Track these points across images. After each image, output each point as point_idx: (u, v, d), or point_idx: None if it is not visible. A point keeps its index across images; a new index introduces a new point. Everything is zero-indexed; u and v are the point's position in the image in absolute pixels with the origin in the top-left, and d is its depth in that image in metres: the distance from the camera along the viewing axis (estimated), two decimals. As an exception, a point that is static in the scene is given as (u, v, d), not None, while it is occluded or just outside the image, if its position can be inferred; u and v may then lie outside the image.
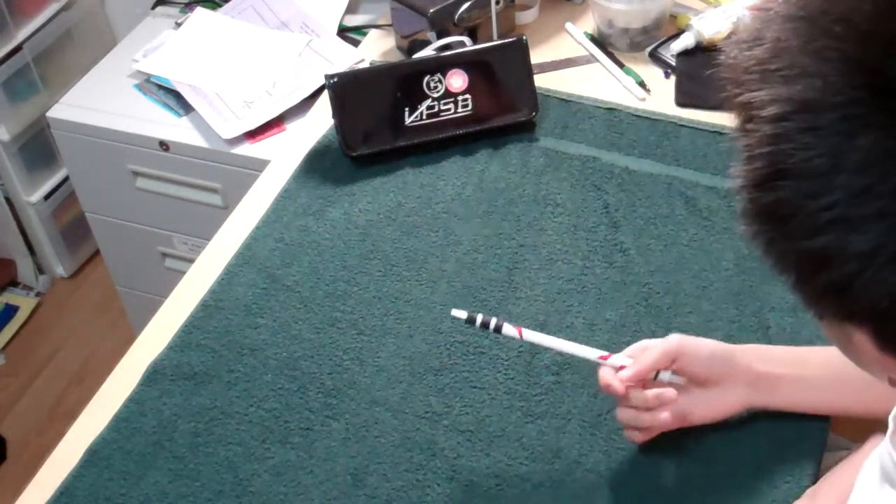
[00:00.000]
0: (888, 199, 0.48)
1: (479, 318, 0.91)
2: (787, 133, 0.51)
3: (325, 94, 1.33)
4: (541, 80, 1.36)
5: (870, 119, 0.48)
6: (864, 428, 0.91)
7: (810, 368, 0.95)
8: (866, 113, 0.49)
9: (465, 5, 1.37)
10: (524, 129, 1.31)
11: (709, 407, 0.94)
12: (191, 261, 1.24)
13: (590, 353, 0.92)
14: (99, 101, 1.61)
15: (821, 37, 0.51)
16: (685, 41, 1.40)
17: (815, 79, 0.50)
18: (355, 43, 1.58)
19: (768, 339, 1.04)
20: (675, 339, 0.92)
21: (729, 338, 1.04)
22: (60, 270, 2.31)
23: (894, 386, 0.58)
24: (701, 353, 0.92)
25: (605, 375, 0.90)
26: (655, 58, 1.42)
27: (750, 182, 0.53)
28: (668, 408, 0.91)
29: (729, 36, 1.39)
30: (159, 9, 1.79)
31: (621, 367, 0.90)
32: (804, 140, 0.50)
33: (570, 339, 1.05)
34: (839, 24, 0.50)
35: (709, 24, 1.39)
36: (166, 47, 1.63)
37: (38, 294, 2.31)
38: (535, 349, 1.06)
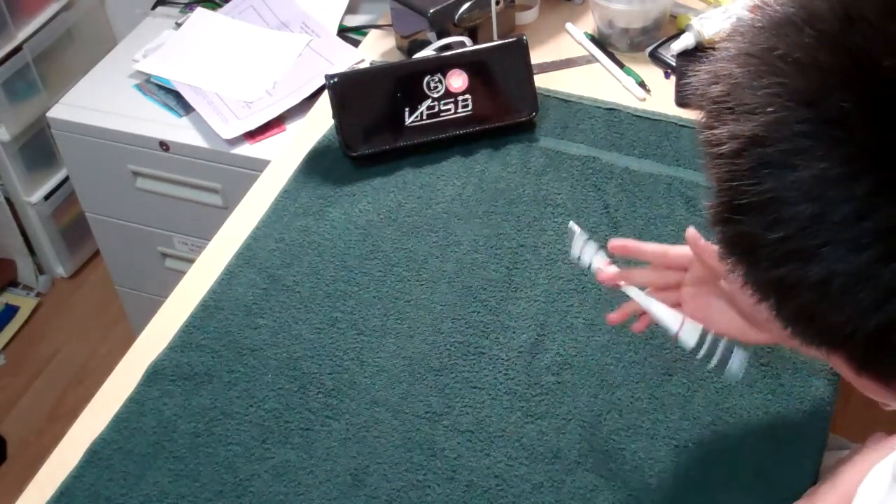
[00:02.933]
0: (836, 228, 0.49)
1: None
2: (740, 169, 0.52)
3: (325, 94, 1.33)
4: (541, 81, 1.36)
5: (814, 151, 0.49)
6: (864, 428, 0.91)
7: None
8: (811, 145, 0.50)
9: (465, 5, 1.37)
10: (524, 130, 1.31)
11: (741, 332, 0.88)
12: (191, 261, 1.24)
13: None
14: (99, 101, 1.61)
15: (767, 74, 0.52)
16: (685, 41, 1.40)
17: (764, 115, 0.51)
18: (355, 43, 1.58)
19: (768, 340, 1.04)
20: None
21: (729, 338, 1.05)
22: (60, 270, 2.31)
23: (883, 407, 0.59)
24: None
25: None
26: (655, 58, 1.42)
27: (715, 217, 0.55)
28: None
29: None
30: (159, 9, 1.79)
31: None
32: (756, 175, 0.51)
33: (570, 340, 1.05)
34: (783, 59, 0.52)
35: (709, 24, 1.39)
36: (166, 47, 1.63)
37: (38, 294, 2.31)
38: (536, 349, 1.06)
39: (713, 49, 0.58)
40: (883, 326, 0.49)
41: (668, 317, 0.88)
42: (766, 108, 0.51)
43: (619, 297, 1.10)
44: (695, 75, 0.58)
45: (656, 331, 1.06)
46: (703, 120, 0.56)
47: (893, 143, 0.48)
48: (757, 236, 0.52)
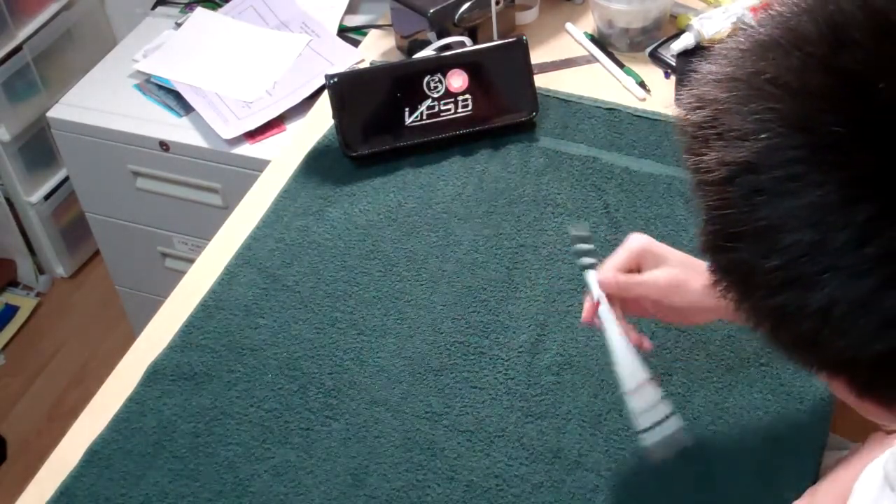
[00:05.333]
0: (836, 254, 0.48)
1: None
2: (733, 197, 0.51)
3: (325, 94, 1.33)
4: (541, 80, 1.36)
5: (810, 177, 0.49)
6: (864, 428, 0.90)
7: None
8: (807, 171, 0.49)
9: (465, 5, 1.37)
10: (524, 129, 1.31)
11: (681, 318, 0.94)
12: (191, 261, 1.24)
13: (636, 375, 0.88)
14: (99, 101, 1.61)
15: (756, 98, 0.51)
16: (685, 41, 1.40)
17: (755, 141, 0.50)
18: (355, 43, 1.58)
19: (768, 340, 1.04)
20: (637, 241, 0.91)
21: (729, 338, 1.05)
22: (60, 270, 2.31)
23: (889, 433, 0.58)
24: (690, 287, 0.90)
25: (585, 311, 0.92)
26: (655, 58, 1.42)
27: (706, 245, 0.54)
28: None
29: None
30: (159, 9, 1.78)
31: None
32: (749, 202, 0.50)
33: (570, 339, 1.05)
34: (772, 83, 0.51)
35: (709, 25, 1.39)
36: (166, 47, 1.63)
37: (38, 294, 2.31)
38: (536, 349, 1.06)
39: (695, 73, 0.57)
40: (885, 352, 0.49)
41: (627, 366, 0.88)
42: (757, 135, 0.50)
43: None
44: (678, 100, 0.57)
45: (656, 331, 1.06)
46: (689, 146, 0.55)
47: (892, 167, 0.47)
48: (753, 264, 0.51)
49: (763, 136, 0.50)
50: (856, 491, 0.73)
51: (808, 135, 0.49)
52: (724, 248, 0.53)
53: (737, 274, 0.53)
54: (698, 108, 0.54)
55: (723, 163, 0.52)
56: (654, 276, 0.90)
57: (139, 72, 1.62)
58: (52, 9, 2.00)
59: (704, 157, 0.53)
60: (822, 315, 0.49)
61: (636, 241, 0.91)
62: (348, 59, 1.53)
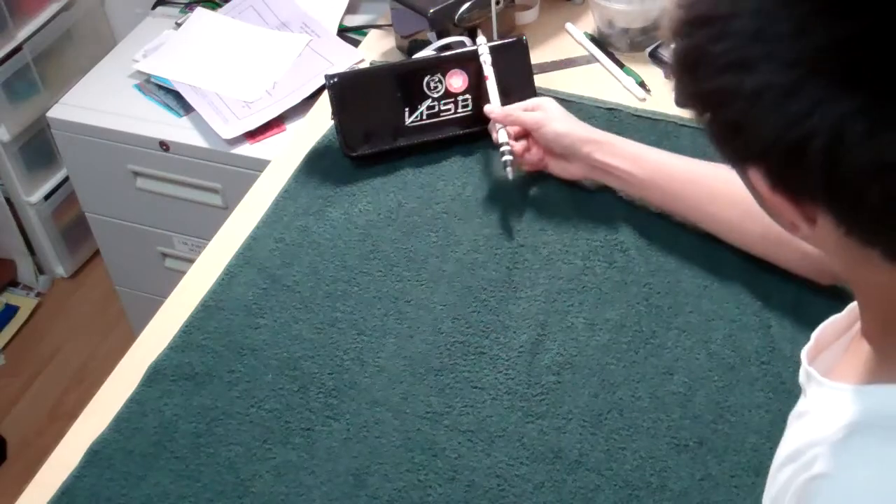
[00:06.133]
0: (776, 43, 0.53)
1: None
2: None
3: (325, 94, 1.33)
4: (541, 80, 1.36)
5: None
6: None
7: (641, 167, 1.13)
8: None
9: (465, 5, 1.37)
10: (524, 129, 1.31)
11: (560, 168, 1.21)
12: (191, 261, 1.24)
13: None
14: (99, 101, 1.61)
15: None
16: (685, 41, 1.40)
17: None
18: (355, 43, 1.58)
19: (770, 338, 1.04)
20: (537, 100, 1.22)
21: (730, 337, 1.05)
22: (60, 270, 2.31)
23: (793, 233, 0.61)
24: (549, 131, 1.18)
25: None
26: (655, 58, 1.42)
27: (672, 31, 0.59)
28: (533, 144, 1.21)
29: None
30: (159, 9, 1.78)
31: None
32: None
33: (571, 339, 1.05)
34: None
35: (709, 24, 1.39)
36: (166, 47, 1.63)
37: (38, 294, 2.31)
38: (536, 349, 1.06)
39: None
40: (803, 139, 0.53)
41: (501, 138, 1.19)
42: None
43: (619, 296, 1.10)
44: None
45: (657, 331, 1.07)
46: None
47: None
48: (703, 48, 0.56)
49: None
50: None
51: None
52: (681, 34, 0.58)
53: (687, 62, 0.58)
54: None
55: None
56: (527, 114, 1.20)
57: (139, 72, 1.62)
58: (52, 9, 2.00)
59: None
60: (754, 98, 0.54)
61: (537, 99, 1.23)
62: (348, 59, 1.53)
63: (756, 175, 0.58)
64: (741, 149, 0.58)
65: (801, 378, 0.71)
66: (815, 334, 0.74)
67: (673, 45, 0.59)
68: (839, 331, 0.73)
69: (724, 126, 0.58)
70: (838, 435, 0.60)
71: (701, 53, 0.56)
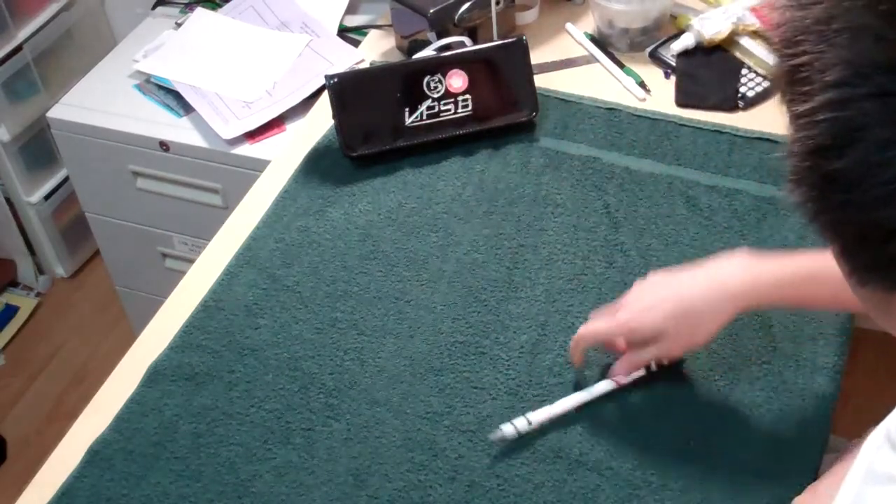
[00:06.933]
0: None
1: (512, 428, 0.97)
2: (853, 98, 0.48)
3: (325, 94, 1.33)
4: (541, 81, 1.36)
5: None
6: (864, 428, 0.90)
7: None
8: None
9: (465, 5, 1.37)
10: (524, 130, 1.31)
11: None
12: (191, 261, 1.24)
13: (603, 386, 1.01)
14: (99, 101, 1.61)
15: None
16: (685, 41, 1.40)
17: (883, 40, 0.47)
18: (355, 43, 1.58)
19: (771, 338, 1.04)
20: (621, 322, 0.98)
21: (730, 336, 1.05)
22: (60, 270, 2.31)
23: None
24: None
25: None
26: (655, 58, 1.42)
27: (809, 149, 0.50)
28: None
29: (730, 36, 1.39)
30: (159, 9, 1.78)
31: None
32: (872, 106, 0.47)
33: (570, 339, 1.05)
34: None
35: (709, 25, 1.39)
36: (166, 47, 1.63)
37: (38, 294, 2.31)
38: (537, 349, 1.06)
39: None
40: None
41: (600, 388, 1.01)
42: (885, 31, 0.47)
43: (619, 296, 1.10)
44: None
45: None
46: (796, 41, 0.51)
47: None
48: (862, 173, 0.48)
49: (892, 33, 0.47)
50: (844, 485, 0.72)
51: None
52: (830, 155, 0.49)
53: (838, 183, 0.50)
54: (813, 2, 0.51)
55: (842, 61, 0.49)
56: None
57: (139, 72, 1.62)
58: (52, 9, 2.00)
59: (817, 55, 0.49)
60: None
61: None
62: (348, 59, 1.53)
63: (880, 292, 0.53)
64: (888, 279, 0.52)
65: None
66: None
67: (807, 163, 0.51)
68: None
69: (889, 258, 0.51)
70: None
71: (860, 178, 0.49)
